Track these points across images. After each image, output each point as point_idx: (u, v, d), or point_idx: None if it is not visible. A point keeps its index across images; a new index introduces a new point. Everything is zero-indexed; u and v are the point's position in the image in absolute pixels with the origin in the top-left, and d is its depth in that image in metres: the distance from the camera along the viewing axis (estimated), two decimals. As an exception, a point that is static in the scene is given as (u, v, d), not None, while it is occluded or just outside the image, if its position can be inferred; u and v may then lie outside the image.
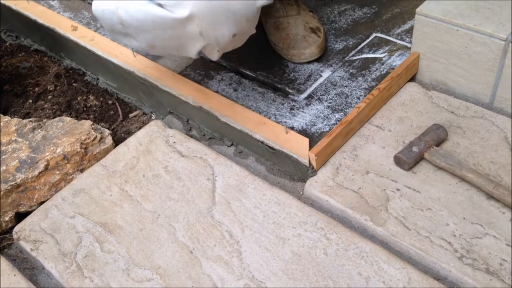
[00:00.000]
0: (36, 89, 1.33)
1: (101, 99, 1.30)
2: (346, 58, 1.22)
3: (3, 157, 1.04)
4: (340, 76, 1.18)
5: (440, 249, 0.85)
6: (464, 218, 0.89)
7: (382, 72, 1.16)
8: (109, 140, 1.12)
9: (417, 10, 1.08)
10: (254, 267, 0.87)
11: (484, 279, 0.80)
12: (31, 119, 1.13)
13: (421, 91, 1.13)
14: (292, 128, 1.06)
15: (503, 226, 0.87)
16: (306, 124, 1.08)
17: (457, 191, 0.93)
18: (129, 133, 1.19)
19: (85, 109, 1.27)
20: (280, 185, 1.01)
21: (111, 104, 1.29)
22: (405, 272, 0.83)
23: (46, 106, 1.28)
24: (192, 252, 0.90)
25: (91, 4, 1.46)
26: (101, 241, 0.94)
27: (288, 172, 1.04)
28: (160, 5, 0.82)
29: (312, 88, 1.16)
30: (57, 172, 1.05)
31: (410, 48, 1.18)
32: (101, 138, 1.12)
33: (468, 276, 0.81)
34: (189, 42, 0.87)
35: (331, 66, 1.21)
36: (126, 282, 0.87)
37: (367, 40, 1.26)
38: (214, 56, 0.92)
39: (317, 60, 1.22)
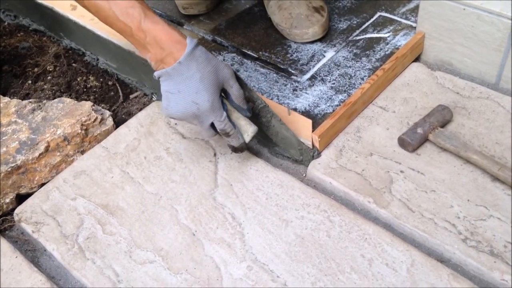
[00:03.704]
0: (36, 69, 1.32)
1: (101, 80, 1.29)
2: (350, 38, 1.20)
3: (3, 138, 1.03)
4: (343, 57, 1.16)
5: (444, 231, 0.84)
6: (468, 200, 0.88)
7: (387, 52, 1.15)
8: (109, 122, 1.11)
9: (423, -12, 1.05)
10: (257, 249, 0.87)
11: (488, 261, 0.80)
12: (30, 100, 1.12)
13: (426, 72, 1.11)
14: (295, 109, 1.05)
15: (508, 208, 0.86)
16: (309, 105, 1.06)
17: (461, 172, 0.92)
18: (130, 115, 1.17)
19: (85, 90, 1.26)
20: (282, 167, 1.00)
21: (111, 85, 1.27)
22: (408, 254, 0.83)
23: (45, 87, 1.26)
24: (194, 234, 0.90)
25: None
26: (103, 223, 0.93)
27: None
28: None
29: (315, 69, 1.14)
30: (58, 154, 1.04)
31: (415, 27, 1.16)
32: (102, 119, 1.10)
33: (472, 258, 0.81)
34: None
35: (335, 46, 1.19)
36: (129, 264, 0.87)
37: (372, 20, 1.24)
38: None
39: (320, 40, 1.20)
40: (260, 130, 0.96)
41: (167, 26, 0.85)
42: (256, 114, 0.96)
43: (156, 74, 0.86)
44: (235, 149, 0.93)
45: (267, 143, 1.04)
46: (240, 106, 0.92)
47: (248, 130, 0.93)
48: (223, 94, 0.90)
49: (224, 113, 0.88)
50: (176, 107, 0.86)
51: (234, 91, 0.90)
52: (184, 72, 0.84)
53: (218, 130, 0.89)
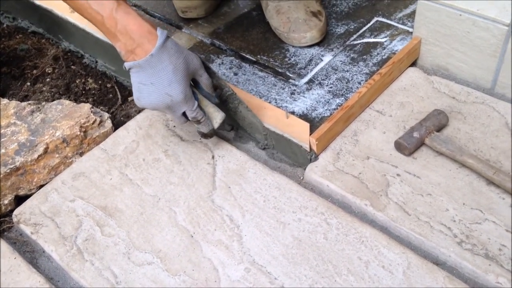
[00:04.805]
0: (34, 71, 1.32)
1: (99, 82, 1.29)
2: (347, 43, 1.21)
3: (2, 140, 1.04)
4: (341, 61, 1.17)
5: (440, 234, 0.85)
6: (464, 204, 0.89)
7: (384, 57, 1.16)
8: (108, 124, 1.12)
9: (420, -6, 1.07)
10: (254, 252, 0.87)
11: (483, 264, 0.81)
12: (29, 102, 1.12)
13: (422, 76, 1.13)
14: (292, 112, 1.06)
15: (503, 212, 0.87)
16: (306, 109, 1.07)
17: (457, 176, 0.93)
18: (129, 117, 1.18)
19: (83, 92, 1.26)
20: (280, 170, 1.01)
21: (110, 87, 1.28)
22: (404, 257, 0.84)
23: (44, 89, 1.27)
24: (192, 236, 0.90)
25: None
26: (101, 225, 0.94)
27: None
28: None
29: (313, 73, 1.15)
30: (57, 156, 1.05)
31: (411, 32, 1.18)
32: (101, 121, 1.11)
33: (467, 261, 0.82)
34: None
35: (332, 50, 1.20)
36: (127, 265, 0.88)
37: (369, 24, 1.25)
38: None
39: (318, 44, 1.21)
40: (228, 115, 1.00)
41: (138, 17, 0.86)
42: (223, 100, 1.01)
43: (126, 65, 0.87)
44: (204, 135, 0.97)
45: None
46: (209, 94, 0.96)
47: (217, 117, 0.97)
48: (192, 83, 0.93)
49: (196, 103, 0.92)
50: (149, 98, 0.88)
51: (204, 80, 0.93)
52: (156, 64, 0.85)
53: (190, 118, 0.93)
